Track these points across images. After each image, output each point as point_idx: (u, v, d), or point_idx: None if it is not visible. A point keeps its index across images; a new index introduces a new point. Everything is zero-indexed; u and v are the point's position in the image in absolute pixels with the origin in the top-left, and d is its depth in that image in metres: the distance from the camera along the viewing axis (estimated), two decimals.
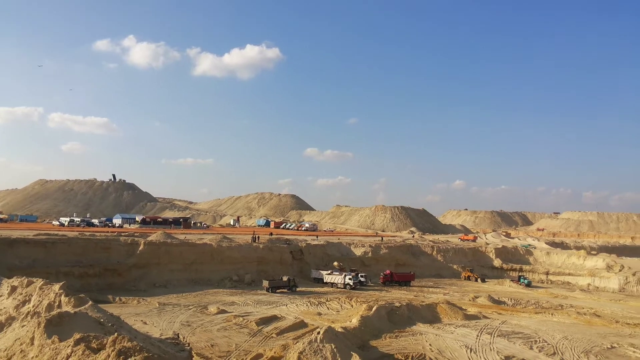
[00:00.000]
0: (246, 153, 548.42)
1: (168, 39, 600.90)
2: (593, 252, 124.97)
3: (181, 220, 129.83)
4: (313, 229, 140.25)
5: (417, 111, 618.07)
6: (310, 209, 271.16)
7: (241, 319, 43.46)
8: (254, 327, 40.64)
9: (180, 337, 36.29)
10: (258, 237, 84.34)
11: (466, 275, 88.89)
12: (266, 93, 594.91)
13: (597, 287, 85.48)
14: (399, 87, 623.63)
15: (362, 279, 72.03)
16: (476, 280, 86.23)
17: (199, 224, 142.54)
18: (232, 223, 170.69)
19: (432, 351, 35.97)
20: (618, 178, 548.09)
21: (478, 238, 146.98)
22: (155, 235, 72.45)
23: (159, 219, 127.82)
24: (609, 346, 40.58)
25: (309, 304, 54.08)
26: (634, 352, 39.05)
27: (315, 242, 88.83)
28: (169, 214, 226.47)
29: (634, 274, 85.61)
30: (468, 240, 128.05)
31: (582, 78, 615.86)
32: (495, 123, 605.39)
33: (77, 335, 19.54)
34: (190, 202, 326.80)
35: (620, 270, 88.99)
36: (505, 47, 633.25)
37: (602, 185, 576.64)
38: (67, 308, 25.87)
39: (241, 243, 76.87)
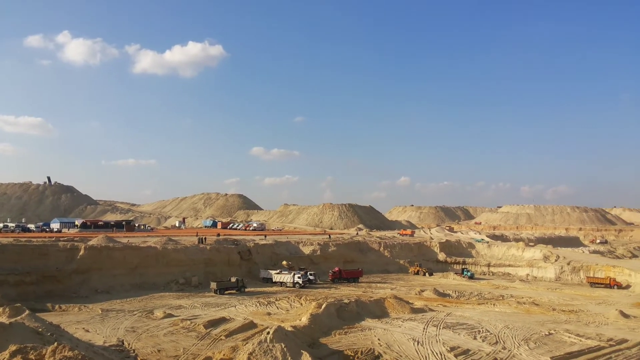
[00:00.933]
0: (191, 153, 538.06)
1: (105, 35, 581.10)
2: (531, 244, 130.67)
3: (124, 223, 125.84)
4: (261, 228, 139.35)
5: (362, 109, 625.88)
6: (257, 208, 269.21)
7: (189, 322, 42.62)
8: (202, 330, 39.93)
9: (125, 343, 35.23)
10: (205, 238, 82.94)
11: (415, 270, 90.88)
12: (210, 91, 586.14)
13: (535, 277, 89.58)
14: (345, 85, 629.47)
15: (311, 277, 72.27)
16: (424, 275, 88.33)
17: (142, 227, 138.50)
18: (177, 225, 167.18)
19: (381, 345, 36.57)
20: (552, 172, 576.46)
21: (422, 232, 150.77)
22: (97, 239, 69.85)
23: (100, 223, 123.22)
24: (546, 333, 42.62)
25: (258, 304, 53.74)
26: (569, 337, 41.20)
27: (264, 242, 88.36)
28: (111, 217, 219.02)
29: (568, 264, 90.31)
30: (406, 234, 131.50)
31: (516, 74, 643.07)
32: (436, 120, 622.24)
33: (12, 347, 18.60)
34: (133, 205, 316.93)
35: (556, 261, 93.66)
36: (450, 41, 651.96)
37: (538, 179, 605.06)
38: (2, 319, 24.57)
39: (187, 245, 75.37)
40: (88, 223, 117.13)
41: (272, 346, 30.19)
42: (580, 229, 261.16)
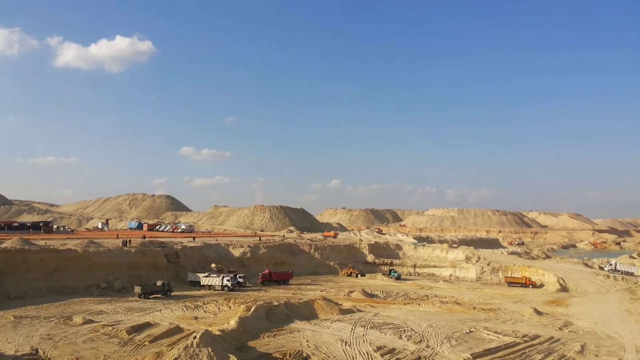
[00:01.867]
0: (116, 151, 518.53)
1: (24, 25, 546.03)
2: (454, 245, 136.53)
3: (41, 224, 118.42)
4: (190, 230, 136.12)
5: (295, 111, 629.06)
6: (186, 210, 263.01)
7: (110, 328, 40.79)
8: (124, 336, 38.35)
9: (40, 352, 33.27)
10: (129, 240, 79.82)
11: (349, 271, 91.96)
12: (138, 88, 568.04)
13: (458, 277, 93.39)
14: (278, 87, 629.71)
15: (241, 280, 71.45)
16: (357, 276, 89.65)
17: (62, 228, 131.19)
18: (100, 226, 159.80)
19: (309, 347, 36.73)
20: (475, 178, 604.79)
21: (353, 234, 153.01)
22: (11, 241, 65.42)
23: (15, 224, 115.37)
24: (467, 331, 44.51)
25: (184, 309, 52.38)
26: (488, 334, 43.28)
27: (192, 244, 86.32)
28: (27, 218, 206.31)
29: (488, 264, 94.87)
30: (330, 236, 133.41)
31: (442, 79, 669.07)
32: (368, 124, 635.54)
33: None
34: (52, 205, 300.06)
35: (477, 262, 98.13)
36: (386, 44, 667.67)
37: (462, 184, 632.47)
38: None
39: (110, 247, 72.20)
40: (2, 224, 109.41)
41: (199, 351, 29.59)
42: (500, 232, 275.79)
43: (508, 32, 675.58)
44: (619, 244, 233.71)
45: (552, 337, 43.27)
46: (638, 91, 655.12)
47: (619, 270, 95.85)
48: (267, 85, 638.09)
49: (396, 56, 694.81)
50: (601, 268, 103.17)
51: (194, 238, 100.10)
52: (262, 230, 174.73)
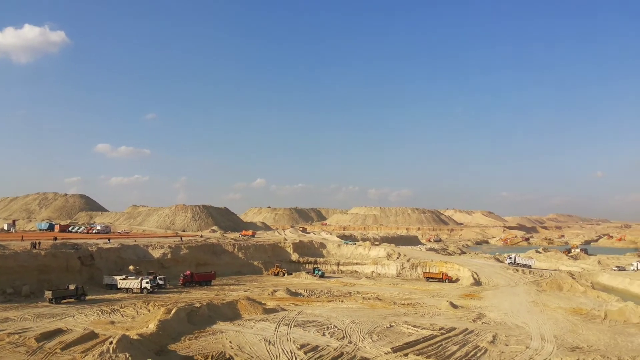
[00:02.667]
0: (24, 147, 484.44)
1: None
2: (376, 243, 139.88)
3: None
4: (106, 231, 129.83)
5: (219, 109, 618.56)
6: (102, 210, 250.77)
7: (17, 336, 37.99)
8: (33, 344, 35.85)
9: None
10: (39, 242, 74.85)
11: (276, 271, 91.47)
12: (49, 80, 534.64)
13: (380, 274, 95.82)
14: (200, 84, 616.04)
15: (161, 282, 69.21)
16: (284, 275, 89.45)
17: None
18: (6, 228, 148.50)
19: (232, 348, 36.24)
20: (396, 177, 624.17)
21: (277, 233, 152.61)
22: None
23: None
24: (388, 325, 45.81)
25: (100, 313, 49.89)
26: (408, 328, 44.80)
27: (108, 246, 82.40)
28: None
29: (408, 260, 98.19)
30: (247, 235, 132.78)
31: (365, 83, 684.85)
32: (292, 124, 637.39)
33: None
34: None
35: (397, 258, 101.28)
36: (317, 48, 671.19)
37: (384, 183, 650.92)
38: None
39: (17, 250, 67.38)
40: None
41: (115, 357, 28.36)
42: (419, 229, 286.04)
43: (419, 37, 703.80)
44: (527, 239, 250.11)
45: (466, 329, 45.53)
46: (543, 102, 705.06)
47: (517, 263, 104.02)
48: (188, 82, 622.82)
49: (322, 57, 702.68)
50: (498, 260, 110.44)
51: (109, 239, 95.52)
52: (184, 231, 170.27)
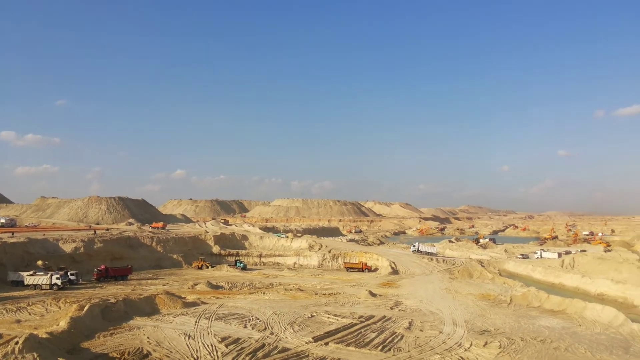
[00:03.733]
0: None
1: None
2: (298, 235, 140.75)
3: None
4: (10, 224, 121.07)
5: (135, 96, 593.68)
6: (7, 201, 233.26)
7: None
8: None
9: None
10: None
11: (199, 264, 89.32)
12: None
13: (302, 265, 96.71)
14: (116, 70, 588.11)
15: (73, 277, 65.72)
16: (207, 268, 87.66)
17: None
18: None
19: (150, 344, 35.27)
20: (319, 169, 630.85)
21: (198, 226, 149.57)
22: None
23: None
24: (309, 315, 46.50)
25: (5, 312, 46.64)
26: (328, 317, 45.73)
27: (13, 240, 76.94)
28: None
29: (329, 251, 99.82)
30: (157, 227, 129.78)
31: (290, 77, 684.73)
32: (214, 116, 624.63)
33: None
34: None
35: (319, 249, 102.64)
36: (235, 40, 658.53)
37: (306, 175, 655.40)
38: None
39: None
40: None
41: (22, 357, 26.73)
42: (340, 220, 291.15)
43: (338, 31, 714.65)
44: (443, 229, 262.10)
45: (384, 317, 47.18)
46: (456, 97, 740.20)
47: (421, 251, 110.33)
48: (102, 66, 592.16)
49: (250, 47, 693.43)
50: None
51: (12, 233, 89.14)
52: (98, 223, 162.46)
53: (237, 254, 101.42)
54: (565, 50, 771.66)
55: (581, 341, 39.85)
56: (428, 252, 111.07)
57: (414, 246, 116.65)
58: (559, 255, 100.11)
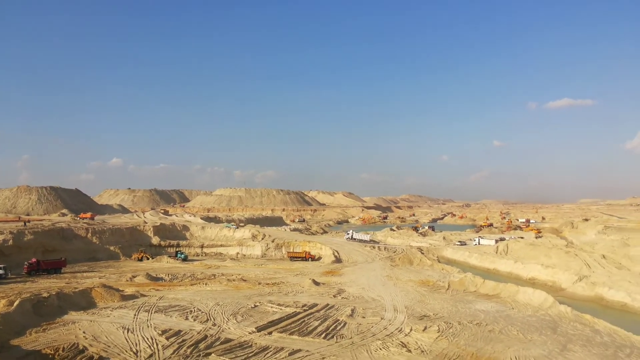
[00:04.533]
0: None
1: None
2: (241, 224, 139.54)
3: None
4: None
5: (67, 78, 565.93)
6: None
7: None
8: None
9: None
10: None
11: (140, 256, 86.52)
12: None
13: (245, 255, 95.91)
14: (43, 52, 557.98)
15: (1, 272, 62.21)
16: (148, 259, 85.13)
17: None
18: None
19: (87, 338, 33.95)
20: (262, 159, 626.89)
21: (136, 216, 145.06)
22: None
23: None
24: (252, 305, 46.23)
25: None
26: (272, 307, 45.65)
27: None
28: None
29: (272, 241, 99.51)
30: (85, 218, 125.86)
31: (233, 70, 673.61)
32: (152, 100, 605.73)
33: None
34: None
35: (262, 239, 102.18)
36: (166, 23, 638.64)
37: (249, 164, 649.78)
38: None
39: None
40: None
41: None
42: (284, 210, 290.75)
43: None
44: (385, 218, 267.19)
45: (327, 305, 47.64)
46: (398, 89, 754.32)
47: (354, 239, 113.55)
48: (30, 51, 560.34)
49: (187, 32, 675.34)
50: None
51: None
52: (28, 214, 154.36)
53: (178, 245, 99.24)
54: (500, 46, 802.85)
55: (514, 323, 41.87)
56: (362, 240, 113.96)
57: (348, 234, 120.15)
58: (496, 241, 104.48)
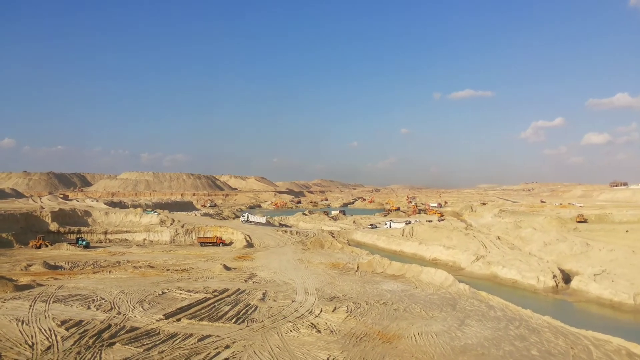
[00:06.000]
0: None
1: None
2: (149, 209, 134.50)
3: None
4: None
5: None
6: None
7: None
8: None
9: None
10: None
11: (38, 243, 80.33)
12: None
13: (152, 241, 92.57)
14: None
15: None
16: (47, 246, 79.38)
17: None
18: None
19: None
20: (170, 141, 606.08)
21: (32, 201, 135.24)
22: None
23: None
24: (160, 292, 44.90)
25: None
26: (181, 293, 44.61)
27: None
28: None
29: (182, 226, 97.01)
30: None
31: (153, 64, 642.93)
32: (47, 75, 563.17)
33: None
34: None
35: (171, 224, 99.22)
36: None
37: (157, 147, 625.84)
38: None
39: None
40: None
41: None
42: (194, 194, 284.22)
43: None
44: (299, 203, 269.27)
45: (238, 289, 47.39)
46: (312, 77, 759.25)
47: (251, 221, 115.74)
48: None
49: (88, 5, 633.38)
50: (269, 223, 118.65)
51: None
52: None
53: (79, 232, 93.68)
54: (410, 38, 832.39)
55: (417, 302, 44.14)
56: (258, 222, 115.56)
57: (244, 216, 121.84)
58: (406, 224, 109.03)
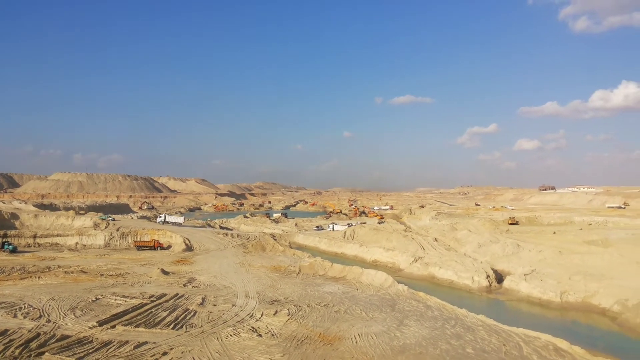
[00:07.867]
0: None
1: None
2: (82, 212, 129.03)
3: None
4: None
5: None
6: None
7: None
8: None
9: None
10: None
11: None
12: None
13: (85, 245, 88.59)
14: None
15: None
16: None
17: None
18: None
19: None
20: (106, 142, 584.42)
21: None
22: None
23: None
24: (93, 299, 43.07)
25: None
26: (116, 299, 42.98)
27: None
28: None
29: (117, 230, 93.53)
30: None
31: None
32: None
33: None
34: None
35: (106, 227, 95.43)
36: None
37: (91, 148, 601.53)
38: None
39: None
40: None
41: None
42: (131, 197, 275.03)
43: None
44: (241, 205, 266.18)
45: (177, 294, 46.21)
46: (261, 81, 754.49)
47: (168, 222, 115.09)
48: None
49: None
50: (209, 226, 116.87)
51: None
52: None
53: (5, 235, 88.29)
54: (354, 43, 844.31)
55: (358, 303, 44.67)
56: (175, 222, 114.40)
57: (161, 217, 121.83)
58: (348, 226, 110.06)
